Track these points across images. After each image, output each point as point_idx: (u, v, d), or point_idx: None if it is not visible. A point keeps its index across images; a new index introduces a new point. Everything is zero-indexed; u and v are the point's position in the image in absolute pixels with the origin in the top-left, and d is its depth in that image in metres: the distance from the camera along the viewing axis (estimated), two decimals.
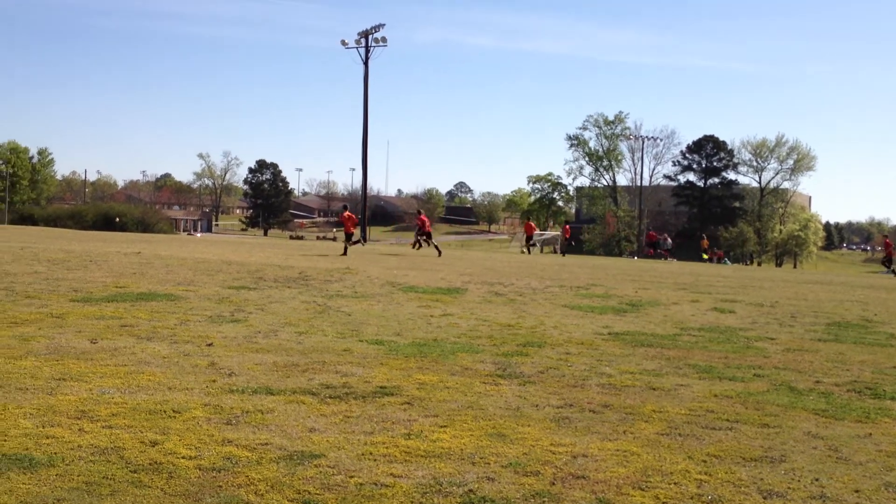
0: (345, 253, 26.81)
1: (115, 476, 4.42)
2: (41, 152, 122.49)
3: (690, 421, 6.11)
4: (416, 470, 4.74)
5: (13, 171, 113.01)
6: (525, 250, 43.39)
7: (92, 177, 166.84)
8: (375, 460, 4.89)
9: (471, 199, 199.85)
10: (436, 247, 30.83)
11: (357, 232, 33.64)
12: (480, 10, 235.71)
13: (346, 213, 29.87)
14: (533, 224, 46.91)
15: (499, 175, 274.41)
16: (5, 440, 4.94)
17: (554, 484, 4.59)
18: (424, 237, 32.06)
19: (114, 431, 5.24)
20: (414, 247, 33.46)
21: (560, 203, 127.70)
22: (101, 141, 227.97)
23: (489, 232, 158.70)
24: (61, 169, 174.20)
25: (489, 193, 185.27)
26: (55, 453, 4.74)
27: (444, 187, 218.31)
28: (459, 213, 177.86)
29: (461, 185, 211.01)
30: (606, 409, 6.38)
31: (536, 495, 4.42)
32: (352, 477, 4.57)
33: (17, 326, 9.18)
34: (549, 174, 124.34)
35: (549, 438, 5.50)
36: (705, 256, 53.13)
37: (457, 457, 5.02)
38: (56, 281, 13.84)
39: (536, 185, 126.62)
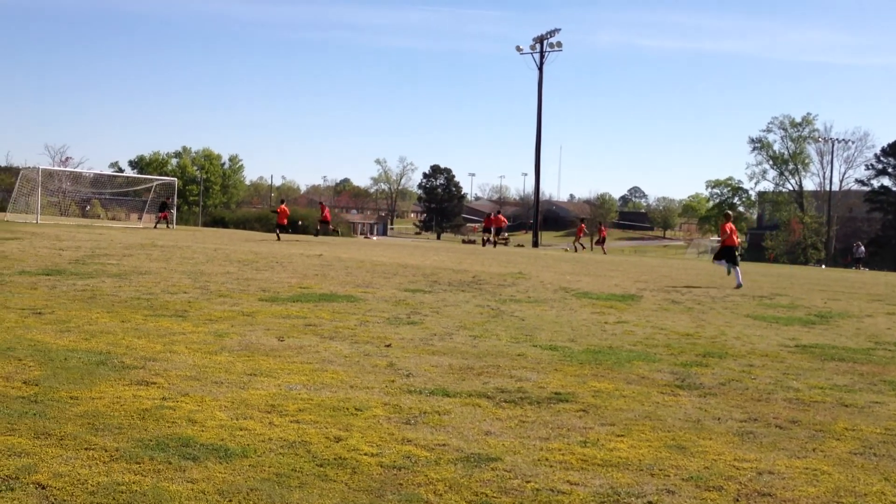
0: (278, 239, 31.84)
1: (303, 469, 4.62)
2: (232, 159, 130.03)
3: (887, 440, 5.72)
4: (592, 478, 4.69)
5: (207, 176, 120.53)
6: (489, 243, 42.43)
7: (277, 182, 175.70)
8: (551, 466, 4.87)
9: (645, 204, 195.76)
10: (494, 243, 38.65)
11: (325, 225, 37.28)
12: (658, 12, 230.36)
13: (282, 207, 35.16)
14: (502, 217, 44.98)
15: (675, 179, 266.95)
16: (203, 431, 5.27)
17: (738, 500, 4.42)
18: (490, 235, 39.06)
19: (301, 426, 5.49)
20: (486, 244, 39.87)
21: (741, 208, 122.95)
22: (285, 148, 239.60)
23: (664, 238, 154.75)
24: (249, 174, 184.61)
25: (664, 198, 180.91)
26: (248, 445, 5.01)
27: (617, 192, 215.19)
28: (633, 218, 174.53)
29: (635, 190, 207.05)
30: (794, 425, 6.08)
31: None
32: (528, 482, 4.58)
33: (212, 323, 9.78)
34: (730, 178, 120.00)
35: (733, 453, 5.30)
36: None
37: (635, 467, 4.93)
38: (246, 281, 14.64)
39: (715, 190, 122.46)
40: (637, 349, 9.26)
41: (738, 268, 18.52)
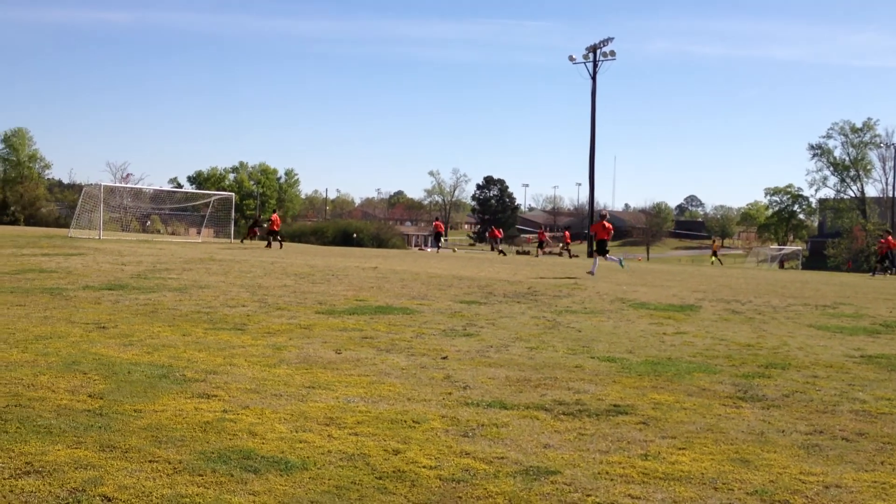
0: (269, 246, 35.16)
1: (363, 482, 4.64)
2: (288, 173, 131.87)
3: None
4: (654, 492, 4.62)
5: (263, 190, 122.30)
6: (431, 249, 49.42)
7: (332, 195, 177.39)
8: (612, 480, 4.81)
9: (702, 212, 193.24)
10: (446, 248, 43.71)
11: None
12: (712, 19, 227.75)
13: (274, 216, 37.91)
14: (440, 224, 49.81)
15: (732, 188, 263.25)
16: (264, 443, 5.33)
17: None
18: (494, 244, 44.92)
19: (359, 439, 5.51)
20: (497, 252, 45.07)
21: (801, 216, 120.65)
22: (340, 161, 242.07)
23: (722, 247, 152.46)
24: (305, 188, 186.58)
25: (722, 207, 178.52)
26: (308, 457, 5.05)
27: (673, 201, 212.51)
28: (690, 227, 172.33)
29: (692, 199, 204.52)
30: (861, 438, 5.92)
31: None
32: (588, 495, 4.53)
33: (270, 336, 9.89)
34: (789, 186, 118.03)
35: (798, 466, 5.18)
36: None
37: (697, 481, 4.85)
38: (303, 294, 14.79)
39: (774, 198, 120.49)
40: (697, 360, 9.12)
41: None
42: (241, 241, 41.17)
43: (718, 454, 5.42)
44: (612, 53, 63.02)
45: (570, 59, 64.37)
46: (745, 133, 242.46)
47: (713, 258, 62.62)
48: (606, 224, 23.39)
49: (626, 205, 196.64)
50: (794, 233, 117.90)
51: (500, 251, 49.78)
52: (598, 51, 63.03)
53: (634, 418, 6.34)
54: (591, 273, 22.62)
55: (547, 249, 53.07)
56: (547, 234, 57.97)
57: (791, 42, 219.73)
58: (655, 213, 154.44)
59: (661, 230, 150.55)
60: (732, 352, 9.81)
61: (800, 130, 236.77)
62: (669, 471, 5.02)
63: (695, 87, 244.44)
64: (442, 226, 49.65)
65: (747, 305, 15.41)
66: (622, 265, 24.99)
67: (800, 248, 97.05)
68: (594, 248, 24.88)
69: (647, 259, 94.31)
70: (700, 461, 5.24)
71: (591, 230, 26.17)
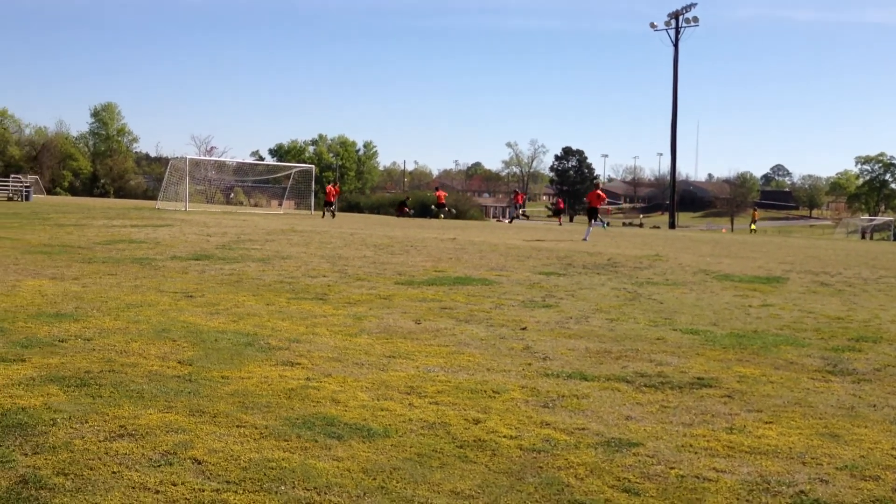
0: (323, 216, 37.36)
1: (443, 450, 4.67)
2: (366, 145, 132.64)
3: None
4: (740, 466, 4.54)
5: (342, 163, 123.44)
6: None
7: (410, 167, 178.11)
8: (696, 453, 4.74)
9: (789, 182, 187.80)
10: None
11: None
12: None
13: (329, 187, 40.60)
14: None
15: (821, 157, 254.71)
16: (346, 410, 5.41)
17: None
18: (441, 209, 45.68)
19: (440, 408, 5.55)
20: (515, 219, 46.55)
21: (893, 185, 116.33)
22: (417, 133, 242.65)
23: (810, 217, 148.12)
24: (383, 160, 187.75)
25: (810, 176, 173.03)
26: (389, 425, 5.11)
27: (758, 171, 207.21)
28: (776, 197, 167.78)
29: (778, 168, 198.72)
30: None
31: (877, 501, 4.06)
32: (672, 468, 4.47)
33: (351, 306, 10.02)
34: (881, 154, 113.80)
35: (890, 441, 5.02)
36: None
37: (785, 455, 4.74)
38: (382, 265, 14.92)
39: (865, 167, 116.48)
40: (784, 333, 8.90)
41: None
42: (398, 216, 44.70)
43: (807, 428, 5.29)
44: (696, 19, 61.55)
45: (652, 25, 63.12)
46: (834, 100, 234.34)
47: (753, 226, 62.87)
48: (600, 193, 26.29)
49: (710, 174, 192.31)
50: (886, 203, 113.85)
51: (525, 214, 50.56)
52: (681, 17, 61.65)
53: (719, 391, 6.22)
54: (585, 240, 24.38)
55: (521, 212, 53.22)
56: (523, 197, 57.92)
57: (886, 4, 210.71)
58: (740, 184, 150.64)
59: (745, 200, 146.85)
60: (821, 325, 9.55)
61: (893, 96, 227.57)
62: (755, 444, 4.92)
63: (782, 52, 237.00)
64: (521, 196, 50.19)
65: (836, 277, 14.96)
66: (604, 227, 28.53)
67: (892, 218, 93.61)
68: (587, 214, 27.33)
69: (731, 230, 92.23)
70: (787, 435, 5.12)
71: (586, 198, 28.35)
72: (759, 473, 4.42)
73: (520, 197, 54.95)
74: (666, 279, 13.91)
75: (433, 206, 47.77)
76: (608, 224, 30.09)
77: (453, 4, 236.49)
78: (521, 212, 52.16)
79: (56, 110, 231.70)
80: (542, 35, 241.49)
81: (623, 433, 5.08)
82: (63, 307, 9.16)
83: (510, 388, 6.14)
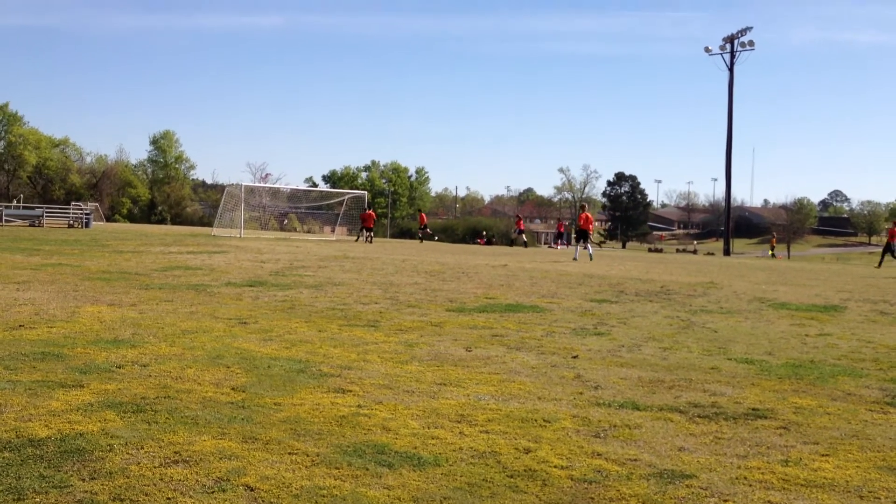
0: (357, 240, 38.71)
1: (494, 479, 4.66)
2: (418, 171, 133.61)
3: None
4: (795, 499, 4.45)
5: (394, 189, 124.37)
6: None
7: (462, 193, 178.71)
8: (751, 485, 4.67)
9: (847, 208, 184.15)
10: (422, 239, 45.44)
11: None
12: (856, 4, 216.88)
13: (368, 213, 41.22)
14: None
15: (881, 182, 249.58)
16: (397, 438, 5.43)
17: None
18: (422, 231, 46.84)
19: (490, 436, 5.54)
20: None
21: None
22: (469, 159, 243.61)
23: (869, 244, 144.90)
24: (435, 186, 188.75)
25: (869, 202, 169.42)
26: (440, 453, 5.11)
27: (816, 196, 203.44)
28: (835, 224, 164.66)
29: (836, 194, 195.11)
30: None
31: None
32: (726, 500, 4.41)
33: (402, 333, 10.06)
34: None
35: None
36: None
37: (841, 489, 4.64)
38: (433, 291, 14.96)
39: None
40: (842, 363, 8.72)
41: None
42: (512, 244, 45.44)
43: (864, 461, 5.17)
44: (751, 43, 61.06)
45: (706, 50, 62.73)
46: (894, 124, 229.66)
47: (771, 252, 60.96)
48: (588, 216, 27.99)
49: (766, 200, 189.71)
50: None
51: (524, 243, 49.14)
52: (736, 41, 61.21)
53: (774, 422, 6.12)
54: (575, 259, 26.14)
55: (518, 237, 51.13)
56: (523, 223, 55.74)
57: None
58: (797, 209, 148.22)
59: (802, 227, 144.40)
60: (880, 355, 9.33)
61: None
62: (811, 477, 4.82)
63: (840, 77, 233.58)
64: (563, 225, 49.71)
65: None
66: (591, 258, 28.00)
67: None
68: (578, 236, 28.61)
69: (788, 257, 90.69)
70: (844, 468, 5.01)
71: (578, 220, 28.78)
72: None
73: (521, 223, 53.41)
74: (720, 307, 13.72)
75: (418, 229, 48.53)
76: (600, 246, 30.69)
77: (511, 31, 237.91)
78: (523, 237, 50.86)
79: (117, 138, 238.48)
80: (596, 60, 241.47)
81: (676, 465, 5.02)
82: (121, 333, 9.36)
83: (561, 418, 6.11)
